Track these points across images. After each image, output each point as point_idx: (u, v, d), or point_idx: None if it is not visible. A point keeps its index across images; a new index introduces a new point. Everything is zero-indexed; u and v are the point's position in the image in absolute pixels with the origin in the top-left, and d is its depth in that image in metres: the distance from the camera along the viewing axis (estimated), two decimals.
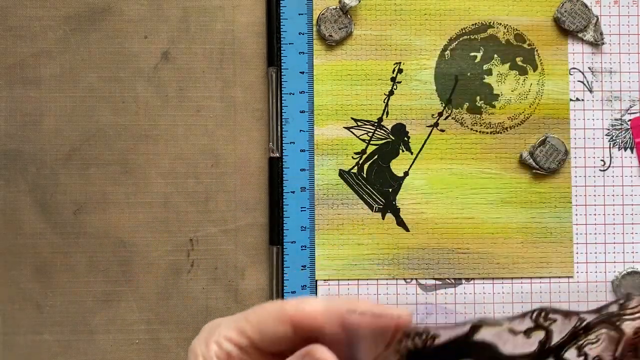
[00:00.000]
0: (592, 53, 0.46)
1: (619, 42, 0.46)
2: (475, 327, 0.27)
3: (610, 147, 0.46)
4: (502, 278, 0.46)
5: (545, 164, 0.46)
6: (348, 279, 0.45)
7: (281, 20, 0.45)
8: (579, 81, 0.46)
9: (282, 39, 0.45)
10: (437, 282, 0.46)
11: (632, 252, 0.46)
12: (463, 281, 0.46)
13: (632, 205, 0.46)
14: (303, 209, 0.45)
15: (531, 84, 0.46)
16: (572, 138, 0.46)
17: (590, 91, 0.46)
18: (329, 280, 0.45)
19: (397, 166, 0.46)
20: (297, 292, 0.45)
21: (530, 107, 0.46)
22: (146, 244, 0.45)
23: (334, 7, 0.45)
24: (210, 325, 0.29)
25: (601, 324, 0.28)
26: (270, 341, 0.28)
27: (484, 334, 0.27)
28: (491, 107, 0.46)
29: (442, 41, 0.46)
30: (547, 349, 0.27)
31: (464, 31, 0.46)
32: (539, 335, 0.27)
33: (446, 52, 0.46)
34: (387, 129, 0.46)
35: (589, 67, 0.46)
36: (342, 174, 0.46)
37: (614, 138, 0.46)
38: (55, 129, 0.45)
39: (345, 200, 0.46)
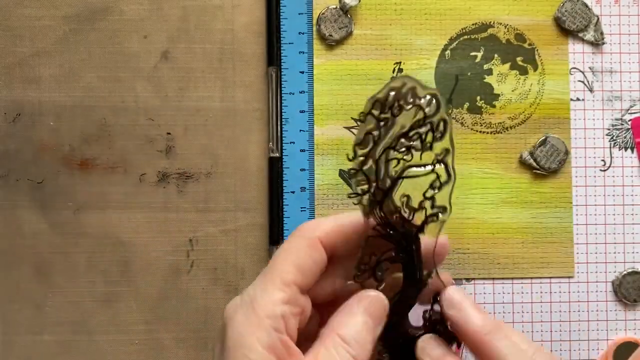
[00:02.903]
0: (593, 53, 0.46)
1: (619, 41, 0.46)
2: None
3: (610, 147, 0.46)
4: (503, 278, 0.46)
5: (545, 164, 0.46)
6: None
7: (281, 20, 0.45)
8: (579, 81, 0.46)
9: (282, 39, 0.45)
10: None
11: (632, 252, 0.46)
12: (463, 281, 0.46)
13: (632, 205, 0.46)
14: (303, 209, 0.45)
15: (532, 84, 0.46)
16: (573, 138, 0.46)
17: (591, 91, 0.46)
18: None
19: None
20: None
21: (530, 107, 0.46)
22: (146, 244, 0.45)
23: (334, 6, 0.45)
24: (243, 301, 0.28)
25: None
26: (312, 275, 0.29)
27: None
28: (491, 107, 0.46)
29: (442, 41, 0.46)
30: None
31: (464, 31, 0.46)
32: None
33: (446, 52, 0.46)
34: None
35: (589, 67, 0.46)
36: (342, 174, 0.46)
37: (614, 138, 0.46)
38: (54, 128, 0.45)
39: (345, 200, 0.45)
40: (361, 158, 0.31)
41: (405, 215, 0.31)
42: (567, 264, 0.46)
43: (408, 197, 0.31)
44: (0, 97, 0.45)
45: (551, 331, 0.45)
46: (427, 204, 0.31)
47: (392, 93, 0.30)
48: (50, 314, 0.45)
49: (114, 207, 0.45)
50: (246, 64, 0.46)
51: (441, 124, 0.30)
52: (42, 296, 0.45)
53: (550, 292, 0.46)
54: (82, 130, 0.45)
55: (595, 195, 0.46)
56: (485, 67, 0.46)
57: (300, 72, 0.46)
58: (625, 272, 0.46)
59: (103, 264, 0.45)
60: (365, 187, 0.31)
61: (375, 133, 0.30)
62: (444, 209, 0.31)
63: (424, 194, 0.31)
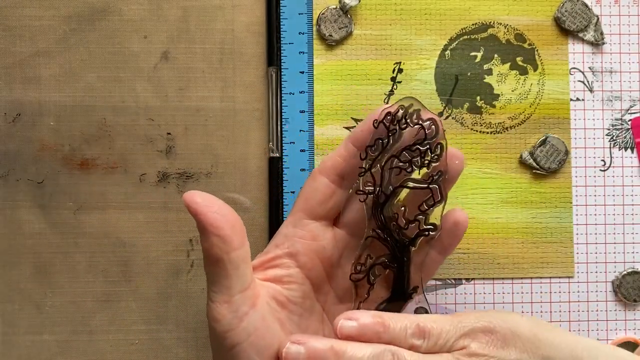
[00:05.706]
0: (593, 53, 0.46)
1: (619, 42, 0.46)
2: None
3: (610, 147, 0.46)
4: (502, 278, 0.46)
5: (545, 164, 0.46)
6: None
7: (281, 20, 0.45)
8: (579, 81, 0.46)
9: (282, 39, 0.45)
10: (437, 282, 0.46)
11: (632, 252, 0.46)
12: (463, 281, 0.46)
13: (632, 205, 0.46)
14: None
15: (531, 84, 0.46)
16: (573, 138, 0.46)
17: (591, 91, 0.46)
18: None
19: None
20: None
21: (530, 107, 0.46)
22: (146, 244, 0.45)
23: (334, 6, 0.45)
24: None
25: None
26: (314, 200, 0.37)
27: None
28: (491, 107, 0.46)
29: (442, 41, 0.46)
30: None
31: (464, 31, 0.46)
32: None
33: (446, 52, 0.46)
34: None
35: (589, 67, 0.46)
36: None
37: (614, 138, 0.46)
38: (54, 128, 0.45)
39: None
40: (370, 161, 0.35)
41: (402, 224, 0.35)
42: (567, 264, 0.46)
43: (406, 207, 0.35)
44: (0, 97, 0.45)
45: None
46: (421, 218, 0.35)
47: (402, 110, 0.34)
48: (50, 314, 0.45)
49: (114, 207, 0.45)
50: (246, 64, 0.46)
51: (438, 148, 0.34)
52: (42, 296, 0.45)
53: (550, 292, 0.46)
54: (82, 130, 0.45)
55: (595, 195, 0.46)
56: (485, 67, 0.46)
57: (300, 72, 0.46)
58: (625, 272, 0.46)
59: (103, 264, 0.45)
60: (371, 188, 0.35)
61: (385, 141, 0.34)
62: (434, 227, 0.35)
63: (419, 207, 0.35)
